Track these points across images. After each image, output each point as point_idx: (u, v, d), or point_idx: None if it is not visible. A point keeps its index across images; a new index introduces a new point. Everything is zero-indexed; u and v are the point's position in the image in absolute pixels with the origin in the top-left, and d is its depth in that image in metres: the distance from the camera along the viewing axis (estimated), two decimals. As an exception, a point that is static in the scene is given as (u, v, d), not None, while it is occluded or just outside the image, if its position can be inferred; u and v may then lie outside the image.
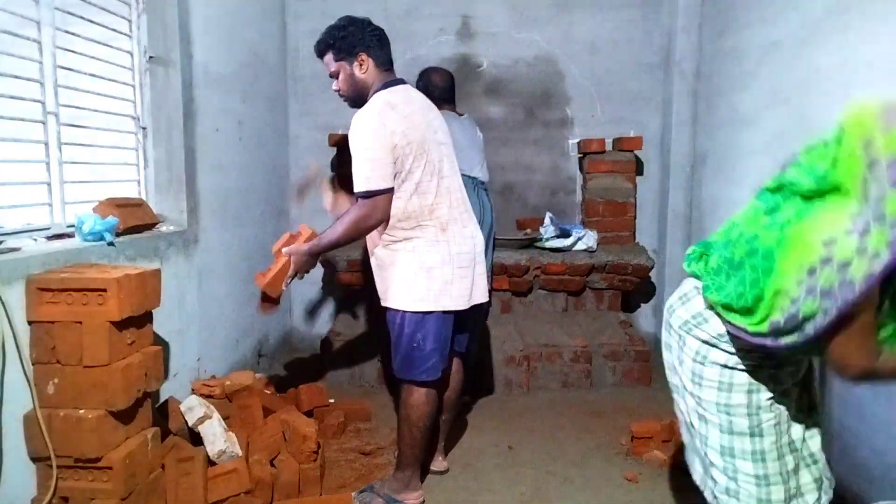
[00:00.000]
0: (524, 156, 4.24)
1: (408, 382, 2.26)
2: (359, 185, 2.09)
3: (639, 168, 4.18)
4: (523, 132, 4.23)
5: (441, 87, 3.02)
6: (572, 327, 3.73)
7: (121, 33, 2.48)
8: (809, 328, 1.28)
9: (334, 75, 2.26)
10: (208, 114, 2.89)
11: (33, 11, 2.01)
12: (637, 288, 3.94)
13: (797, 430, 1.56)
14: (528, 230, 4.05)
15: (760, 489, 1.49)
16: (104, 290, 1.76)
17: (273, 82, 3.89)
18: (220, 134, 3.05)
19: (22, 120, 2.02)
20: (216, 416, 2.33)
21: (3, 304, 1.66)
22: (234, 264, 3.20)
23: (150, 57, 2.59)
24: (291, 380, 3.47)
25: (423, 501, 2.33)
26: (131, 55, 2.54)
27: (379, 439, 2.85)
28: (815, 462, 1.58)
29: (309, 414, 2.82)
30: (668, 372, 1.71)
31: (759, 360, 1.47)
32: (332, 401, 3.01)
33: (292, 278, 2.23)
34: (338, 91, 2.28)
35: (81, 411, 1.76)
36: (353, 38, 2.18)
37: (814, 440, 1.58)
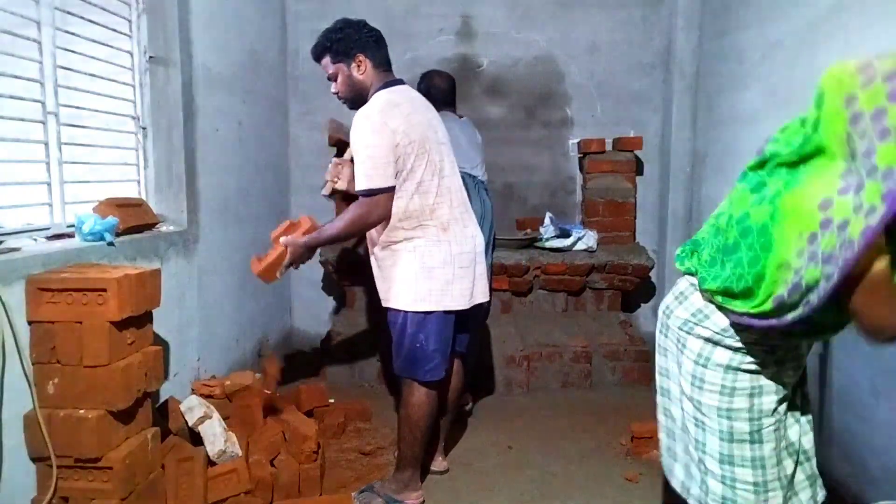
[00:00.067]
0: (524, 156, 4.24)
1: (409, 382, 2.26)
2: (360, 184, 2.09)
3: (639, 168, 4.18)
4: (523, 132, 4.23)
5: (443, 90, 3.03)
6: (572, 327, 3.73)
7: (121, 33, 2.48)
8: (813, 298, 1.24)
9: (332, 78, 2.26)
10: (208, 114, 2.89)
11: (33, 11, 2.01)
12: (637, 288, 3.94)
13: (794, 430, 1.55)
14: (528, 230, 4.05)
15: (759, 496, 1.47)
16: (104, 290, 1.76)
17: (273, 82, 3.89)
18: (220, 134, 3.05)
19: (22, 120, 2.02)
20: (216, 416, 2.33)
21: (3, 304, 1.66)
22: (234, 264, 3.20)
23: (150, 57, 2.59)
24: (291, 380, 3.48)
25: (423, 501, 2.34)
26: (131, 55, 2.54)
27: (379, 439, 2.85)
28: (808, 459, 1.56)
29: (309, 414, 2.82)
30: (658, 377, 1.67)
31: (764, 356, 1.44)
32: (332, 401, 3.01)
33: (287, 268, 2.23)
34: (336, 94, 2.29)
35: (81, 411, 1.76)
36: (349, 40, 2.19)
37: (806, 437, 1.56)
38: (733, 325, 1.44)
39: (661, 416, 1.69)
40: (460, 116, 3.14)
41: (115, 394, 1.78)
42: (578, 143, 4.15)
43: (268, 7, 3.80)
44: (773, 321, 1.34)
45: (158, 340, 2.29)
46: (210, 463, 2.21)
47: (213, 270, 2.98)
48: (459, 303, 2.20)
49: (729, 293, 1.41)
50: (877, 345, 1.30)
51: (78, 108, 2.23)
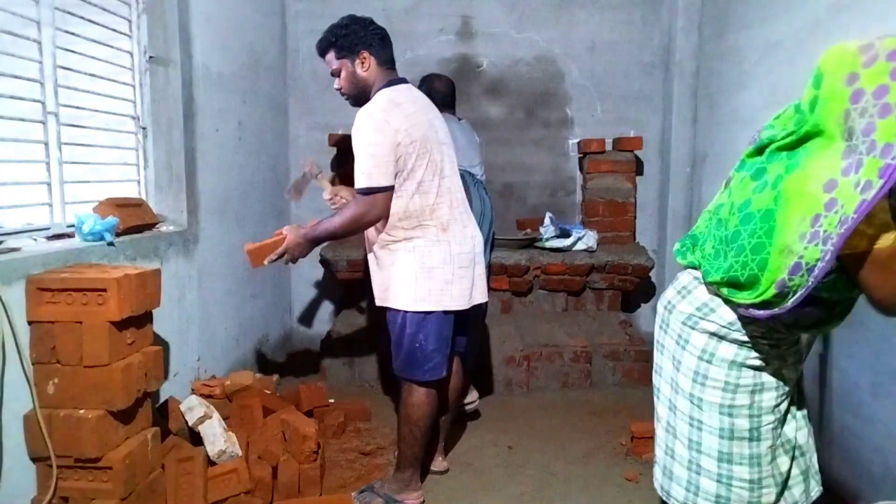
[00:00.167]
0: (524, 156, 4.24)
1: (409, 382, 2.26)
2: (359, 182, 2.09)
3: (639, 168, 4.18)
4: (523, 132, 4.23)
5: (443, 93, 3.05)
6: (572, 327, 3.73)
7: (121, 33, 2.48)
8: (811, 278, 1.24)
9: (336, 73, 2.26)
10: (208, 114, 2.89)
11: (33, 11, 2.01)
12: (637, 288, 3.94)
13: (791, 426, 1.54)
14: (528, 230, 4.05)
15: (753, 493, 1.46)
16: (104, 290, 1.76)
17: (273, 82, 3.89)
18: (220, 134, 3.05)
19: (22, 120, 2.02)
20: (216, 416, 2.33)
21: (3, 304, 1.66)
22: (234, 264, 3.20)
23: (150, 57, 2.59)
24: (291, 379, 3.48)
25: (423, 501, 2.33)
26: (131, 55, 2.54)
27: (379, 439, 2.85)
28: (803, 454, 1.55)
29: (309, 414, 2.81)
30: (654, 375, 1.66)
31: (768, 350, 1.44)
32: (332, 401, 3.01)
33: (279, 256, 2.20)
34: (339, 89, 2.28)
35: (81, 411, 1.76)
36: (355, 37, 2.18)
37: (801, 432, 1.55)
38: (740, 318, 1.43)
39: (657, 419, 1.68)
40: (459, 119, 3.16)
41: (115, 394, 1.78)
42: (578, 143, 4.15)
43: (268, 7, 3.80)
44: (776, 310, 1.33)
45: (158, 340, 2.29)
46: (210, 463, 2.21)
47: (213, 270, 2.98)
48: (459, 303, 2.20)
49: (734, 284, 1.39)
50: (889, 316, 1.29)
51: (78, 108, 2.23)
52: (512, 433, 2.97)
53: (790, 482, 1.53)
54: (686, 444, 1.53)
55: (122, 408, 1.81)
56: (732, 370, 1.45)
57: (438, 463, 2.60)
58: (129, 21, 2.52)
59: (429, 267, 2.15)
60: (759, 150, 1.41)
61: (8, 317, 1.68)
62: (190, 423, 2.28)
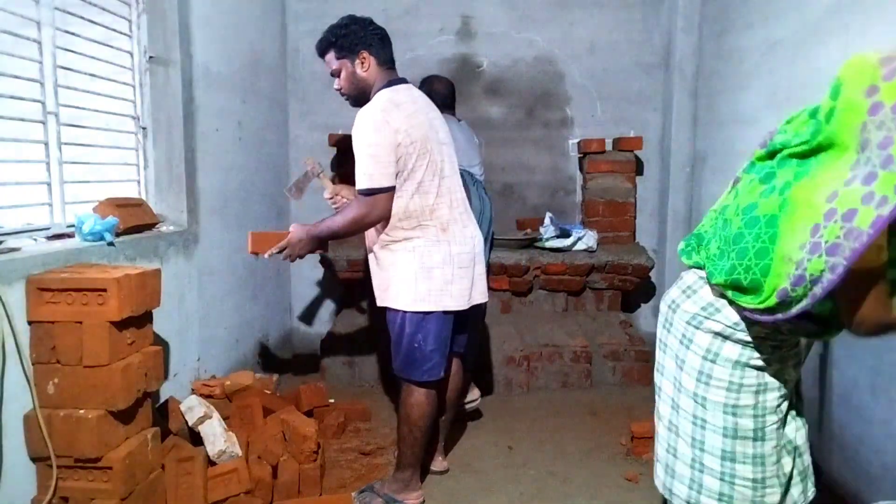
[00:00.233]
0: (524, 156, 4.24)
1: (408, 382, 2.26)
2: (360, 183, 2.09)
3: (639, 168, 4.18)
4: (523, 132, 4.23)
5: (443, 95, 3.06)
6: (572, 327, 3.73)
7: (121, 33, 2.48)
8: (818, 289, 1.23)
9: (336, 74, 2.26)
10: (208, 114, 2.89)
11: (33, 11, 2.01)
12: (637, 288, 3.94)
13: (791, 427, 1.55)
14: (528, 230, 4.05)
15: (756, 492, 1.47)
16: (104, 290, 1.76)
17: (273, 82, 3.89)
18: (220, 134, 3.05)
19: (22, 120, 2.02)
20: (216, 416, 2.33)
21: (3, 304, 1.66)
22: (234, 264, 3.20)
23: (150, 57, 2.59)
24: (291, 379, 3.48)
25: (423, 501, 2.34)
26: (131, 55, 2.54)
27: (379, 439, 2.85)
28: (800, 455, 1.56)
29: (309, 414, 2.81)
30: (655, 374, 1.66)
31: (771, 352, 1.44)
32: (332, 401, 3.01)
33: (281, 250, 2.20)
34: (339, 90, 2.28)
35: (81, 411, 1.76)
36: (354, 37, 2.18)
37: (800, 433, 1.56)
38: (744, 319, 1.43)
39: (657, 417, 1.68)
40: (459, 120, 3.17)
41: (115, 394, 1.78)
42: (578, 143, 4.15)
43: (268, 7, 3.80)
44: (779, 315, 1.33)
45: (158, 340, 2.29)
46: (210, 463, 2.21)
47: (213, 270, 2.98)
48: (458, 303, 2.20)
49: (738, 287, 1.40)
50: (855, 335, 1.31)
51: (78, 108, 2.23)
52: (512, 433, 2.97)
53: (790, 483, 1.53)
54: (689, 443, 1.54)
55: (122, 408, 1.81)
56: (736, 370, 1.46)
57: (438, 463, 2.60)
58: (129, 21, 2.52)
59: (428, 267, 2.15)
60: (771, 154, 1.41)
61: (8, 317, 1.68)
62: (190, 423, 2.28)
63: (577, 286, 3.82)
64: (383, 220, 2.15)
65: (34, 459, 1.79)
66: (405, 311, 2.18)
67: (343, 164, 3.93)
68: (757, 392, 1.46)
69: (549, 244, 3.76)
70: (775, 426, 1.48)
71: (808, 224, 1.23)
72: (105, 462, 1.78)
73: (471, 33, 4.17)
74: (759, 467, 1.47)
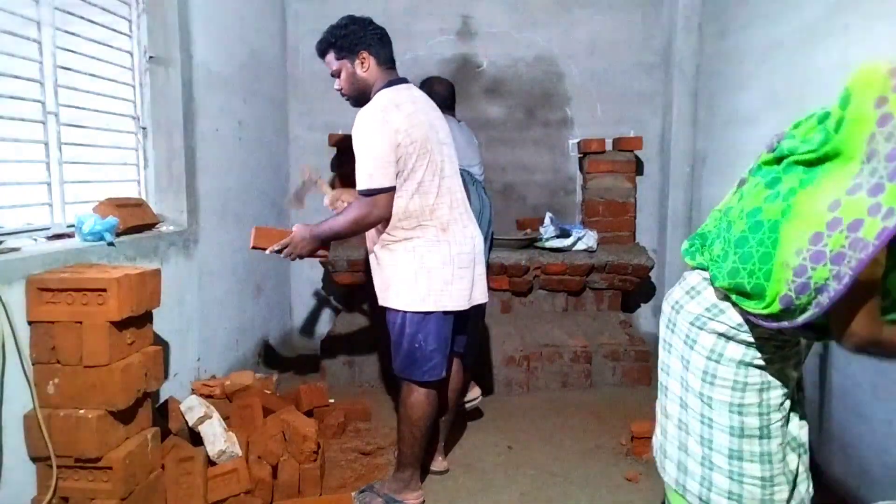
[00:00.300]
0: (524, 156, 4.25)
1: (408, 382, 2.26)
2: (361, 183, 2.09)
3: (639, 168, 4.18)
4: (523, 132, 4.24)
5: (443, 96, 3.06)
6: (572, 327, 3.73)
7: (121, 33, 2.48)
8: (824, 299, 1.24)
9: (336, 74, 2.26)
10: (208, 114, 2.89)
11: (33, 11, 2.01)
12: (637, 288, 3.94)
13: (794, 424, 1.56)
14: (528, 230, 4.05)
15: (765, 490, 1.48)
16: (104, 290, 1.76)
17: (273, 82, 3.89)
18: (220, 134, 3.05)
19: (22, 120, 2.02)
20: (216, 416, 2.33)
21: (3, 304, 1.66)
22: (234, 264, 3.20)
23: (150, 57, 2.59)
24: (291, 379, 3.48)
25: (423, 501, 2.33)
26: (131, 55, 2.54)
27: (379, 439, 2.85)
28: (805, 452, 1.58)
29: (309, 414, 2.81)
30: (660, 373, 1.67)
31: (773, 351, 1.45)
32: (332, 401, 3.01)
33: (282, 248, 2.19)
34: (340, 90, 2.29)
35: (81, 411, 1.76)
36: (354, 37, 2.18)
37: (803, 430, 1.58)
38: (747, 320, 1.45)
39: (658, 414, 1.69)
40: (459, 121, 3.18)
41: (115, 394, 1.78)
42: (578, 143, 4.15)
43: (268, 7, 3.80)
44: (784, 323, 1.34)
45: (158, 340, 2.29)
46: (210, 463, 2.21)
47: (213, 270, 2.98)
48: (458, 303, 2.20)
49: (742, 292, 1.41)
50: (844, 349, 1.32)
51: (78, 108, 2.22)
52: (512, 433, 2.97)
53: (797, 479, 1.54)
54: (698, 441, 1.56)
55: (122, 408, 1.81)
56: (740, 369, 1.47)
57: (438, 463, 2.60)
58: (129, 21, 2.52)
59: (428, 267, 2.15)
60: (778, 159, 1.42)
61: (8, 317, 1.68)
62: (190, 423, 2.28)
63: (577, 286, 3.82)
64: (384, 220, 2.15)
65: (34, 459, 1.79)
66: (405, 311, 2.18)
67: (343, 164, 3.93)
68: (761, 390, 1.47)
69: (549, 244, 3.76)
70: (780, 424, 1.49)
71: (808, 231, 1.24)
72: (105, 462, 1.78)
73: (471, 33, 4.17)
74: (767, 465, 1.48)
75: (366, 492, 2.33)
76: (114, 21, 2.43)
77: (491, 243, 3.16)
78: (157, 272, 2.04)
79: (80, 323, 1.76)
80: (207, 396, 2.50)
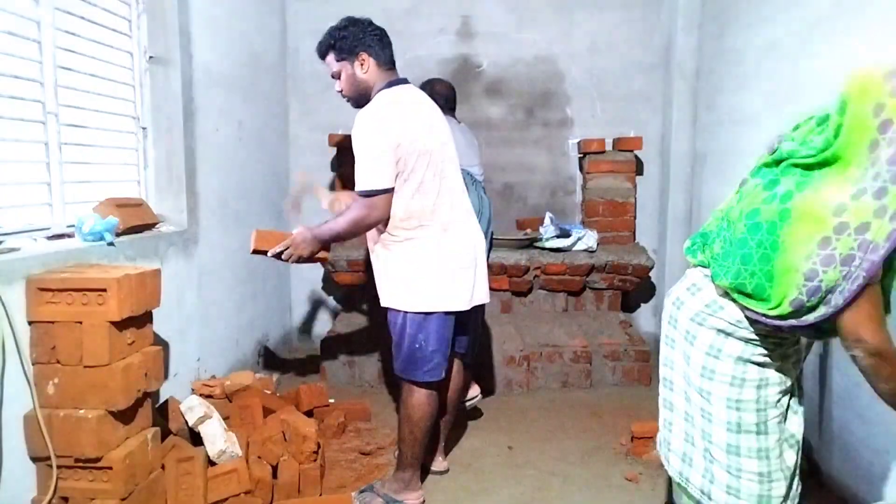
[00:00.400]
0: (524, 156, 4.25)
1: (409, 382, 2.26)
2: (359, 184, 2.09)
3: (639, 168, 4.18)
4: (523, 132, 4.24)
5: (444, 97, 3.07)
6: (572, 327, 3.73)
7: (121, 33, 2.48)
8: (838, 298, 1.27)
9: (336, 76, 2.26)
10: (208, 114, 2.89)
11: (33, 11, 2.01)
12: (637, 288, 3.94)
13: (793, 422, 1.58)
14: (528, 230, 4.05)
15: (763, 486, 1.50)
16: (104, 290, 1.76)
17: (273, 82, 3.89)
18: (220, 134, 3.05)
19: (22, 120, 2.02)
20: (216, 416, 2.33)
21: (3, 304, 1.66)
22: (234, 264, 3.20)
23: (150, 57, 2.59)
24: (291, 379, 3.48)
25: (424, 501, 2.33)
26: (131, 55, 2.54)
27: (379, 439, 2.85)
28: (801, 449, 1.60)
29: (309, 414, 2.81)
30: (662, 368, 1.70)
31: (773, 348, 1.47)
32: (332, 401, 3.01)
33: (283, 249, 2.15)
34: (340, 92, 2.29)
35: (81, 411, 1.76)
36: (353, 39, 2.18)
37: (801, 427, 1.60)
38: (746, 317, 1.46)
39: (662, 408, 1.70)
40: (459, 122, 3.19)
41: (115, 394, 1.78)
42: (578, 143, 4.15)
43: (268, 7, 3.80)
44: (792, 321, 1.36)
45: (158, 340, 2.29)
46: (210, 463, 2.21)
47: (213, 270, 2.98)
48: (459, 304, 2.20)
49: (743, 292, 1.43)
50: (853, 353, 1.33)
51: (78, 108, 2.23)
52: (512, 433, 2.97)
53: (794, 475, 1.56)
54: (700, 435, 1.58)
55: (122, 408, 1.81)
56: (739, 365, 1.49)
57: (438, 463, 2.59)
58: (129, 21, 2.53)
59: (430, 267, 2.15)
60: (777, 162, 1.43)
61: (8, 317, 1.68)
62: (190, 423, 2.28)
63: (577, 286, 3.82)
64: (383, 220, 2.15)
65: (34, 459, 1.79)
66: (406, 312, 2.18)
67: (343, 165, 3.93)
68: (759, 387, 1.49)
69: (549, 244, 3.76)
70: (777, 420, 1.51)
71: (816, 236, 1.27)
72: (105, 462, 1.78)
73: (471, 33, 4.17)
74: (765, 461, 1.50)
75: (366, 492, 2.33)
76: (114, 21, 2.43)
77: (491, 243, 3.16)
78: (157, 272, 2.04)
79: (80, 323, 1.76)
80: (207, 396, 2.50)
